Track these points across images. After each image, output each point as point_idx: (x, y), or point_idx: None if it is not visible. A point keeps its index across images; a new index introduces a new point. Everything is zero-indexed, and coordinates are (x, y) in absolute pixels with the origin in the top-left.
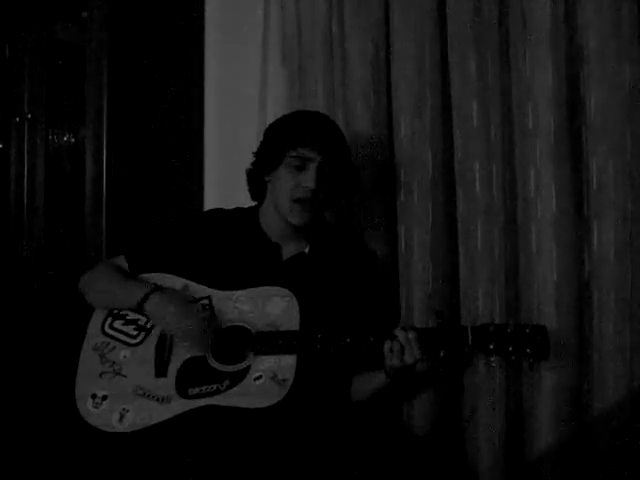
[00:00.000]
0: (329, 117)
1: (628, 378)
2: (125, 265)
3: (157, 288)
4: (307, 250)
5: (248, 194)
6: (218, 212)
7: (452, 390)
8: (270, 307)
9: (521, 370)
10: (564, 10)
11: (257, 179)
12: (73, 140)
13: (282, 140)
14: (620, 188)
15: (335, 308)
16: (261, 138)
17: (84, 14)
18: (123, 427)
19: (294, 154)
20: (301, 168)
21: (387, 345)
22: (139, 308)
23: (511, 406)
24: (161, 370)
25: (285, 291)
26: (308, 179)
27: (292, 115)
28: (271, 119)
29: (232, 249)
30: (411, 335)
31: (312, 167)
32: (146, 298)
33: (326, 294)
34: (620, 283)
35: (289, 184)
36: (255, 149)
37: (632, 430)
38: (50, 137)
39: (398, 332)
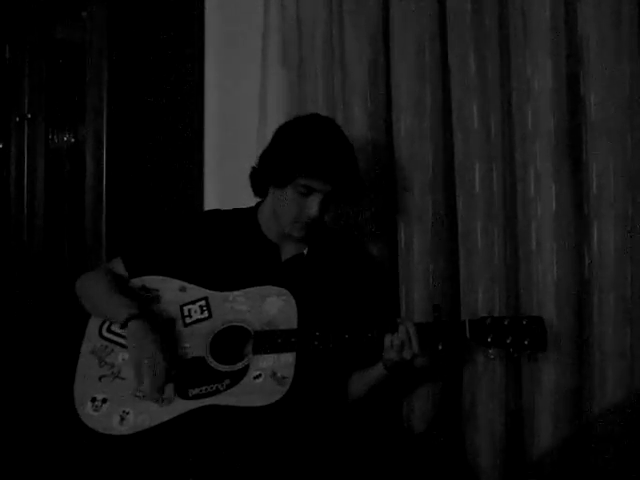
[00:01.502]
0: (344, 136)
1: (628, 378)
2: (122, 267)
3: (136, 316)
4: (306, 251)
5: (248, 195)
6: (216, 213)
7: (451, 386)
8: (267, 306)
9: (520, 368)
10: (564, 10)
11: (261, 183)
12: (73, 140)
13: (293, 164)
14: (620, 188)
15: (333, 309)
16: (268, 139)
17: (84, 14)
18: (124, 429)
19: (303, 182)
20: (307, 194)
21: (387, 339)
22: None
23: (511, 405)
24: None
25: (282, 290)
26: (312, 207)
27: (306, 131)
28: (271, 120)
29: (231, 250)
30: (410, 329)
31: (318, 196)
32: (126, 323)
33: (324, 295)
34: (620, 283)
35: (293, 206)
36: (255, 150)
37: (632, 430)
38: (50, 137)
39: (397, 327)
